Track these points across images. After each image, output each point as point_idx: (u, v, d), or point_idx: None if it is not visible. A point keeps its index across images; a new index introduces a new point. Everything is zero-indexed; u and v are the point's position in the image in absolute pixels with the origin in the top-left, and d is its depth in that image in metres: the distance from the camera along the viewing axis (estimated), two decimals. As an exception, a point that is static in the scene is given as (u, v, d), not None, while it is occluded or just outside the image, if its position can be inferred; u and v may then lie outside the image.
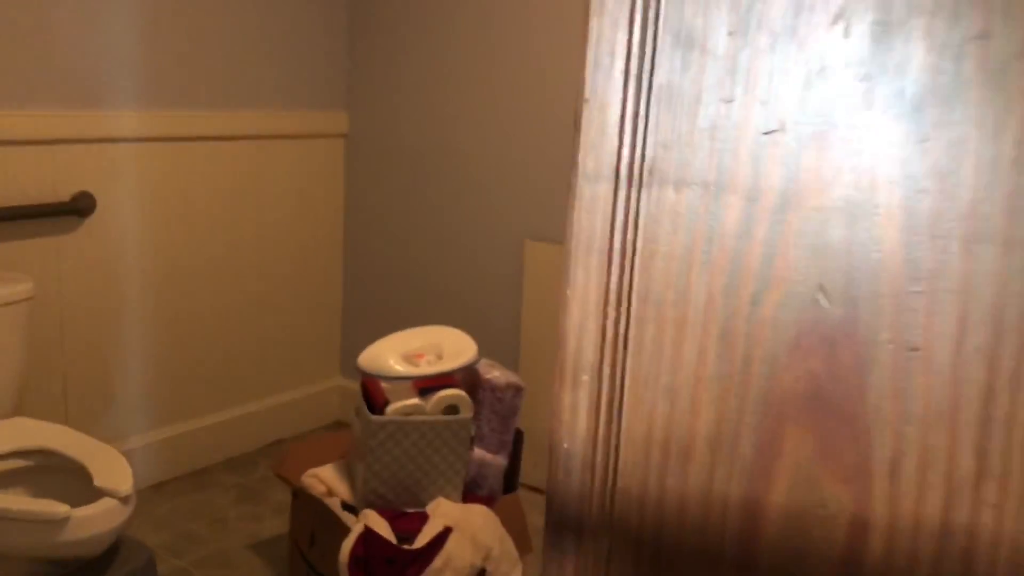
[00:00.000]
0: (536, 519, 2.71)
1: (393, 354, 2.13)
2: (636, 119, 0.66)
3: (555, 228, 2.73)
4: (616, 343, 0.70)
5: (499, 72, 2.77)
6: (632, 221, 0.67)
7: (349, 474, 2.19)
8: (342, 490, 2.13)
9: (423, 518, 2.06)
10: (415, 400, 2.06)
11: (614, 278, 0.69)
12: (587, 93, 0.67)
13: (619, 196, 0.67)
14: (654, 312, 0.68)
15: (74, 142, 2.41)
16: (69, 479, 1.93)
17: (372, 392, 2.13)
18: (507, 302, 2.87)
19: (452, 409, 2.08)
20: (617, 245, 0.68)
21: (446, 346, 2.20)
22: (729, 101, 0.62)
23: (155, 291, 2.68)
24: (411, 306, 3.10)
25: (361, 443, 2.07)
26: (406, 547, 1.96)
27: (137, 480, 2.71)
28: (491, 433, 2.19)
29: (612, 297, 0.69)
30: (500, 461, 2.19)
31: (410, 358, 2.15)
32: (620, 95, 0.66)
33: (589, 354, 0.72)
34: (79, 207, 2.42)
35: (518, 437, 2.26)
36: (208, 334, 2.86)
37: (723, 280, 0.64)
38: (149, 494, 2.72)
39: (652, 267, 0.67)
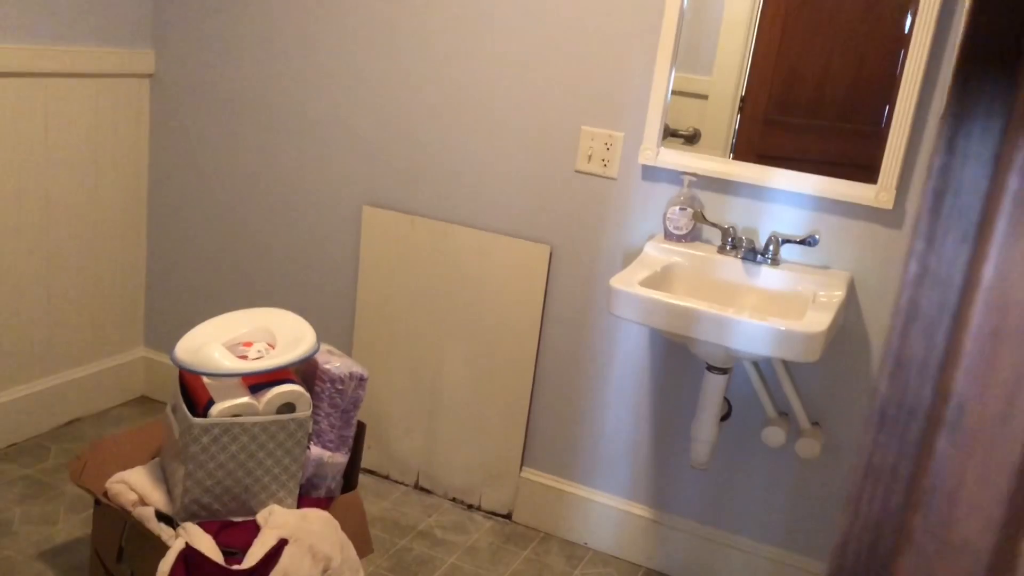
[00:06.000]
0: (372, 505, 2.54)
1: (217, 345, 1.86)
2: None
3: (397, 194, 2.51)
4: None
5: (337, 11, 2.48)
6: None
7: (164, 477, 1.91)
8: (156, 497, 1.86)
9: (254, 529, 1.83)
10: (245, 399, 1.81)
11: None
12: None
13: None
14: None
15: None
16: None
17: (192, 387, 1.86)
18: (340, 274, 2.63)
19: (288, 407, 1.85)
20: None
21: (279, 333, 1.95)
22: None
23: (-86, 255, 2.24)
24: (227, 273, 2.79)
25: (180, 446, 1.80)
26: (235, 566, 1.73)
27: None
28: (330, 429, 1.97)
29: None
30: (340, 459, 1.99)
31: (237, 348, 1.89)
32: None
33: None
34: None
35: (359, 430, 2.06)
36: (-16, 304, 2.44)
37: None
38: (-89, 493, 2.31)
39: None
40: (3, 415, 2.55)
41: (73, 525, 2.27)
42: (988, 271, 0.36)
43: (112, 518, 1.89)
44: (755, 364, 2.12)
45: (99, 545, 1.94)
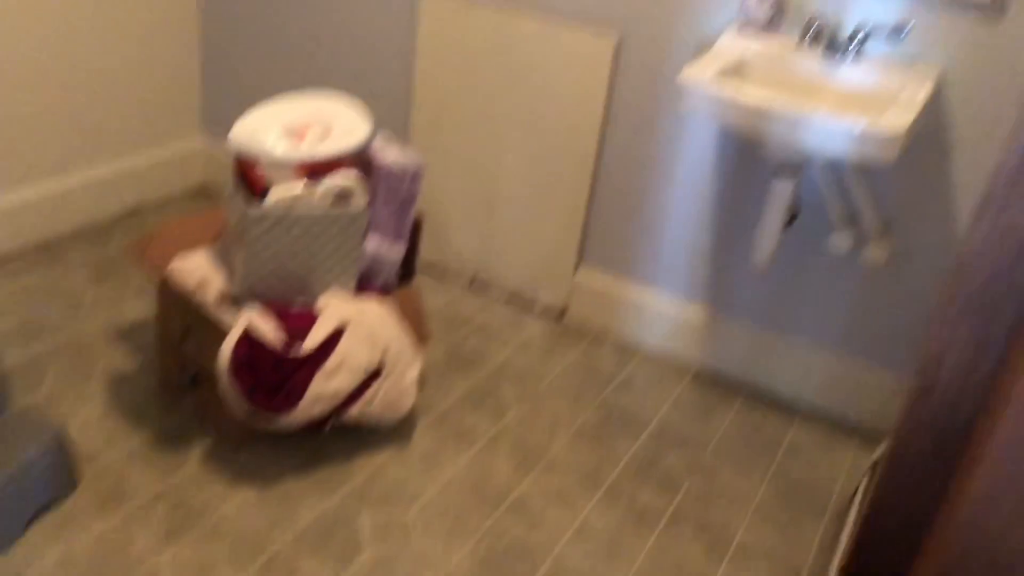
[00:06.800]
0: (429, 300, 2.58)
1: (272, 130, 1.83)
2: None
3: (454, -23, 2.36)
4: None
5: None
6: None
7: (225, 262, 1.94)
8: (218, 281, 1.89)
9: (313, 315, 1.86)
10: (301, 187, 1.79)
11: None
12: None
13: None
14: None
15: None
16: None
17: (248, 173, 1.84)
18: (397, 63, 2.53)
19: (343, 198, 1.83)
20: None
21: (335, 121, 1.91)
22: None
23: (-33, 34, 2.20)
24: (283, 58, 2.71)
25: (237, 233, 1.81)
26: (295, 348, 1.77)
27: (-30, 256, 2.39)
28: (387, 221, 1.96)
29: None
30: (397, 251, 1.99)
31: (292, 134, 1.86)
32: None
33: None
34: None
35: (416, 224, 2.04)
36: (42, 84, 2.42)
37: None
38: (-14, 272, 2.40)
39: None
40: (69, 199, 2.59)
41: (140, 307, 2.34)
42: None
43: (175, 300, 1.94)
44: (828, 165, 2.03)
45: (164, 326, 2.00)
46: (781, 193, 1.97)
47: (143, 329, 2.26)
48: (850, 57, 1.91)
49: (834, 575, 1.62)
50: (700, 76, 1.82)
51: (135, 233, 2.67)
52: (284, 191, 1.77)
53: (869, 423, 2.24)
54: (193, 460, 1.88)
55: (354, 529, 1.76)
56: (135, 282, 2.44)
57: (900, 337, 2.15)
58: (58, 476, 1.71)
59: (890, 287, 2.12)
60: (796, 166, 1.93)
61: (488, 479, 1.94)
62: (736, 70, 1.92)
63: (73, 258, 2.51)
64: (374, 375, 1.87)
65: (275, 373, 1.76)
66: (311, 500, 1.82)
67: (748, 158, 2.15)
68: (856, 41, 1.90)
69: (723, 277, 2.31)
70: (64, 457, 1.72)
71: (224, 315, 1.83)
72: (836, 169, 2.04)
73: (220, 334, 1.80)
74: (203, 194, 2.97)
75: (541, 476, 1.97)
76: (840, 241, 2.06)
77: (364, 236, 1.90)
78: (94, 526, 1.69)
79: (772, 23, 1.99)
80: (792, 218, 2.11)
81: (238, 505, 1.78)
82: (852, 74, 1.91)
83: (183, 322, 1.94)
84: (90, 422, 1.94)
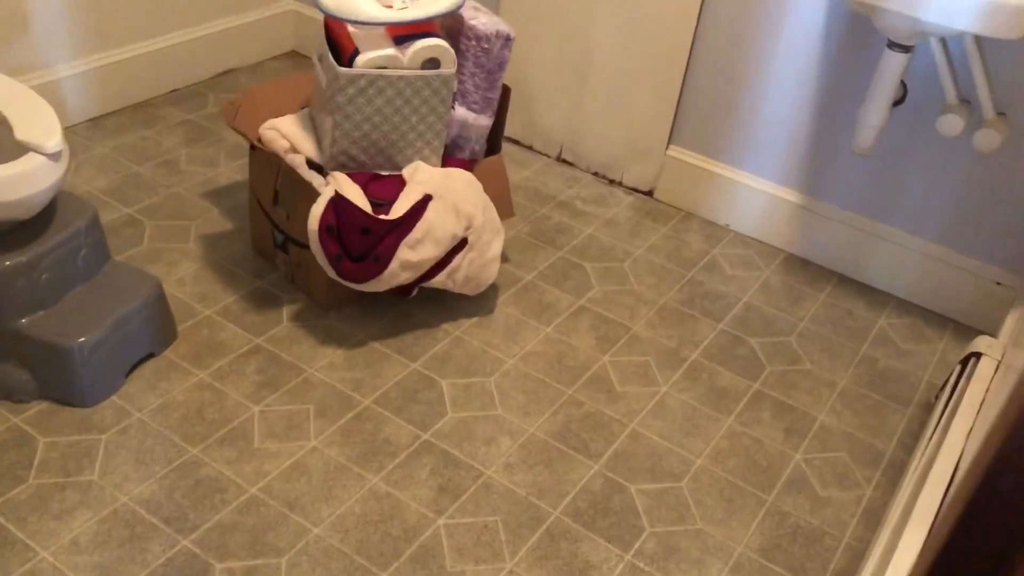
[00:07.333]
0: (515, 175, 2.55)
1: (362, -9, 1.78)
2: None
3: None
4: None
5: None
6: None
7: (313, 128, 1.94)
8: (306, 146, 1.90)
9: (399, 183, 1.86)
10: (390, 50, 1.76)
11: None
12: None
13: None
14: None
15: None
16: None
17: (338, 36, 1.82)
18: (490, -78, 2.44)
19: (432, 63, 1.79)
20: None
21: (425, -17, 1.85)
22: None
23: None
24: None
25: (327, 96, 1.80)
26: (382, 216, 1.78)
27: (70, 114, 2.45)
28: (475, 89, 1.92)
29: None
30: (484, 121, 1.96)
31: (382, -4, 1.81)
32: None
33: None
34: None
35: (504, 94, 2.00)
36: (134, -56, 2.41)
37: None
38: (87, 130, 2.45)
39: None
40: (164, 60, 2.62)
41: (232, 169, 2.38)
42: None
43: (266, 163, 1.96)
44: (943, 41, 1.90)
45: (256, 188, 2.04)
46: (892, 66, 1.85)
47: (236, 190, 2.30)
48: (981, -79, 1.75)
49: (918, 469, 1.60)
50: (813, -61, 1.70)
51: (227, 96, 2.70)
52: (374, 53, 1.75)
53: (964, 318, 2.16)
54: (284, 320, 1.94)
55: (436, 393, 1.81)
56: (228, 144, 2.48)
57: (1005, 231, 2.05)
58: (157, 328, 1.79)
59: (999, 177, 2.01)
60: (909, 41, 1.81)
61: (568, 353, 1.95)
62: (853, -66, 1.79)
63: (168, 119, 2.55)
64: (459, 246, 1.88)
65: (361, 241, 1.78)
66: (396, 363, 1.87)
67: (859, 30, 2.03)
68: (990, -98, 1.74)
69: (820, 162, 2.22)
70: (163, 310, 1.79)
71: (312, 181, 1.85)
72: (955, 45, 1.91)
73: (309, 199, 1.83)
74: (294, 59, 2.96)
75: (621, 352, 1.97)
76: (951, 123, 1.95)
77: (452, 103, 1.88)
78: (190, 377, 1.77)
79: None
80: (900, 98, 2.00)
81: (326, 364, 1.84)
82: (982, -60, 1.76)
83: (273, 185, 1.96)
84: (186, 279, 2.01)
